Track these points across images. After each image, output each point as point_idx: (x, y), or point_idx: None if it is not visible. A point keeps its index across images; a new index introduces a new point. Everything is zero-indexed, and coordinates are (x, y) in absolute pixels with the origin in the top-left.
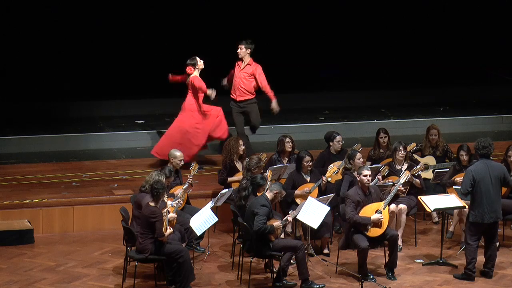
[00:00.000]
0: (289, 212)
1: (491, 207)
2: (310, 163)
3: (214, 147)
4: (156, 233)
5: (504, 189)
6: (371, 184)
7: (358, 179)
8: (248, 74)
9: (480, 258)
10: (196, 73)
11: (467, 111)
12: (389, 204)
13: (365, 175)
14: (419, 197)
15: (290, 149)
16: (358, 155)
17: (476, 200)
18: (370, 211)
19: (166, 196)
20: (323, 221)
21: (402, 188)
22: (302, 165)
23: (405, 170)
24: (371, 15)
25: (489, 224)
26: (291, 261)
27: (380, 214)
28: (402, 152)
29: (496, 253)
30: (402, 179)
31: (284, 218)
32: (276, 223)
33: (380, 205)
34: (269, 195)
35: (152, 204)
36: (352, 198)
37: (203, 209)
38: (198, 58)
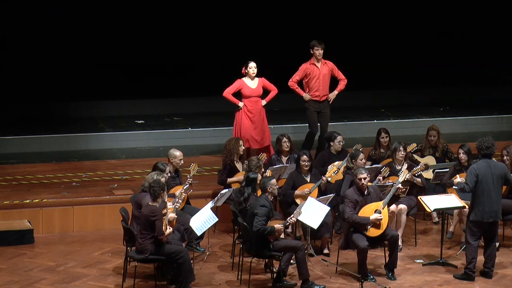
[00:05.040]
0: (294, 213)
1: (491, 207)
2: (307, 163)
3: (214, 147)
4: (156, 231)
5: (504, 188)
6: (371, 184)
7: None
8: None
9: (480, 258)
10: (245, 78)
11: (467, 111)
12: (389, 204)
13: (360, 179)
14: (419, 197)
15: (287, 149)
16: (361, 155)
17: (477, 199)
18: (369, 211)
19: (166, 196)
20: (323, 221)
21: (402, 188)
22: (300, 164)
23: (404, 169)
24: (371, 15)
25: (488, 224)
26: (291, 261)
27: (379, 214)
28: (402, 152)
29: (495, 253)
30: (401, 178)
31: (289, 218)
32: (277, 225)
33: (379, 205)
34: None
35: (151, 203)
36: (350, 198)
37: (203, 209)
38: (250, 63)
